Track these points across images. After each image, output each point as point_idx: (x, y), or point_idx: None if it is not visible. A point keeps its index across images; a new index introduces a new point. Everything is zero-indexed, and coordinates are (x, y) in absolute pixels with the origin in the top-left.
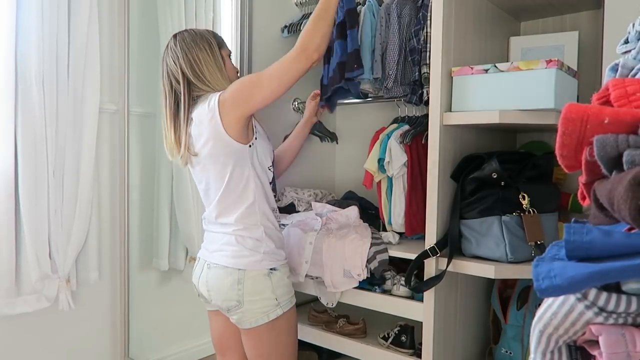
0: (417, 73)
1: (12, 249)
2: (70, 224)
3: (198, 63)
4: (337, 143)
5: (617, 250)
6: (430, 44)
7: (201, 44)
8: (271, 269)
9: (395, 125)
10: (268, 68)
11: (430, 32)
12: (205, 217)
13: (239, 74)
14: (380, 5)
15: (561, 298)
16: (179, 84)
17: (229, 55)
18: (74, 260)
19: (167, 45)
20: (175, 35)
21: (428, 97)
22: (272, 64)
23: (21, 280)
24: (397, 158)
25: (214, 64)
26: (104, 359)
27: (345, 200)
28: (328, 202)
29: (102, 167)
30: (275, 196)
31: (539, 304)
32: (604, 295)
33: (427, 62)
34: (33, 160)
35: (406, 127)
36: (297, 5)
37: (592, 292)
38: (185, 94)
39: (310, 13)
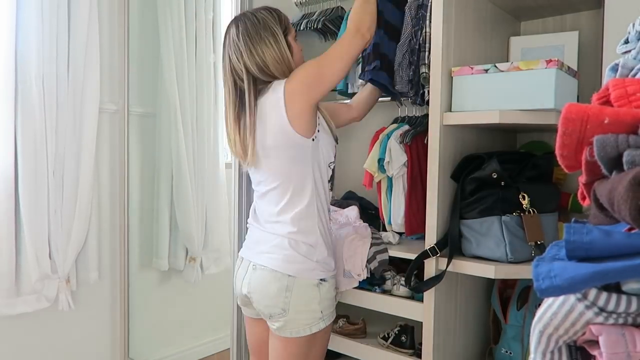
0: (415, 73)
1: (12, 249)
2: (70, 224)
3: (264, 59)
4: (337, 143)
5: (617, 251)
6: (429, 43)
7: (265, 37)
8: (321, 279)
9: (395, 125)
10: (326, 53)
11: (430, 32)
12: (256, 214)
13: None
14: None
15: (561, 298)
16: (243, 81)
17: (295, 37)
18: (73, 260)
19: (228, 35)
20: (237, 23)
21: (428, 97)
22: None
23: (21, 280)
24: (397, 158)
25: (281, 58)
26: (104, 359)
27: (345, 200)
28: None
29: (102, 167)
30: (331, 194)
31: (539, 304)
32: (604, 295)
33: (426, 62)
34: (33, 160)
35: (406, 127)
36: (297, 5)
37: (592, 292)
38: (251, 93)
39: (310, 13)
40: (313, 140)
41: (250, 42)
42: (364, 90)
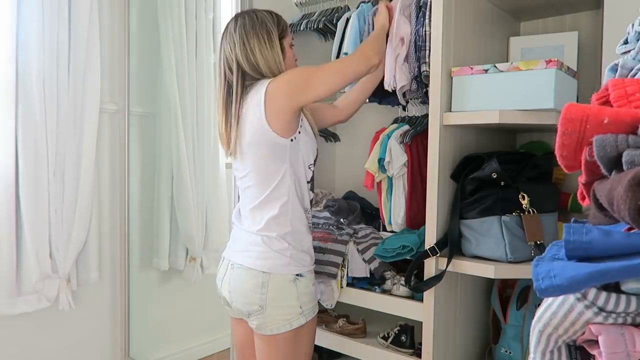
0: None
1: (13, 249)
2: (70, 224)
3: (254, 53)
4: (339, 141)
5: (617, 250)
6: (429, 42)
7: (260, 32)
8: (297, 274)
9: (395, 125)
10: (325, 64)
11: (430, 32)
12: (237, 212)
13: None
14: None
15: (561, 298)
16: (232, 74)
17: (291, 44)
18: (74, 260)
19: (227, 28)
20: (236, 18)
21: None
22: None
23: (22, 280)
24: (397, 158)
25: (271, 56)
26: (104, 358)
27: (346, 200)
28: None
29: (102, 167)
30: (311, 196)
31: (539, 304)
32: (604, 295)
33: (427, 60)
34: (33, 161)
35: (406, 127)
36: (297, 5)
37: (592, 292)
38: (239, 86)
39: (310, 13)
40: (292, 140)
41: (245, 36)
42: (352, 92)
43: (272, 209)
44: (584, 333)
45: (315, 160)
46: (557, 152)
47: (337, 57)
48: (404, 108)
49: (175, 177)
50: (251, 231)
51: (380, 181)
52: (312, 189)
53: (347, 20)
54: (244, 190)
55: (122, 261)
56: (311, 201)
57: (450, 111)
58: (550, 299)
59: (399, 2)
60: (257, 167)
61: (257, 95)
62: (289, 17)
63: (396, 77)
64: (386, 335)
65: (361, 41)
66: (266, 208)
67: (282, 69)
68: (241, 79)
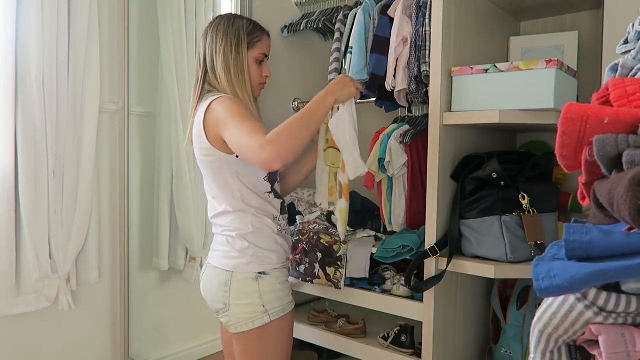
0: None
1: (13, 249)
2: (70, 224)
3: (215, 56)
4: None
5: (617, 250)
6: (429, 42)
7: (230, 38)
8: (260, 272)
9: (395, 125)
10: (239, 123)
11: (430, 31)
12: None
13: (267, 78)
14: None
15: (561, 298)
16: (200, 68)
17: (263, 59)
18: (74, 260)
19: (208, 24)
20: (216, 18)
21: None
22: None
23: (21, 280)
24: (398, 158)
25: (232, 64)
26: (104, 359)
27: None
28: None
29: (102, 167)
30: (283, 202)
31: (539, 304)
32: (604, 295)
33: (427, 60)
34: (33, 160)
35: (406, 127)
36: (297, 5)
37: (592, 292)
38: (201, 81)
39: (310, 13)
40: (237, 156)
41: (215, 35)
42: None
43: (231, 214)
44: (584, 333)
45: (271, 174)
46: (557, 152)
47: (345, 51)
48: (408, 110)
49: (175, 177)
50: (217, 232)
51: (381, 181)
52: (278, 197)
53: (354, 16)
54: (210, 199)
55: (122, 261)
56: (283, 206)
57: (450, 111)
58: (550, 299)
59: (401, 2)
60: (209, 179)
61: (200, 112)
62: (289, 17)
63: (396, 78)
64: (386, 335)
65: (366, 37)
66: (226, 213)
67: (241, 82)
68: (204, 77)
